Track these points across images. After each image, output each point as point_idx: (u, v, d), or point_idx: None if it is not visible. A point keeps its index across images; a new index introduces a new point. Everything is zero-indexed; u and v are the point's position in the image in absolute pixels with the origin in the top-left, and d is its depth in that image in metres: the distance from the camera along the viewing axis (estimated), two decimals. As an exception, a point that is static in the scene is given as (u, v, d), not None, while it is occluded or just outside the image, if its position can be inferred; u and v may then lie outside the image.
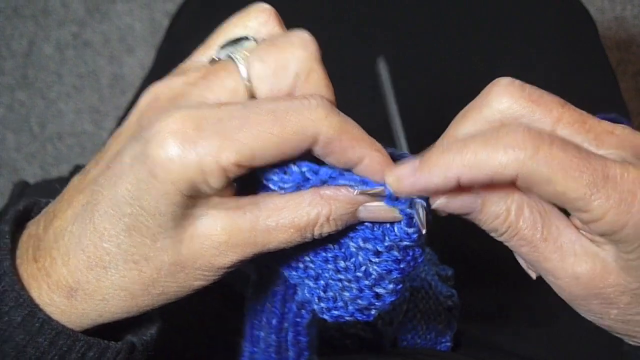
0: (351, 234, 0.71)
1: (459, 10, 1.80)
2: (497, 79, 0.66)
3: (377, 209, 0.68)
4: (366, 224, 0.70)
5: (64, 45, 3.06)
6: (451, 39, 1.75)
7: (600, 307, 0.66)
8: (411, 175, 0.65)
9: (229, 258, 0.66)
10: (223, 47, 0.69)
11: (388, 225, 0.69)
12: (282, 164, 0.66)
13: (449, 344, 1.23)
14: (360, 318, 0.75)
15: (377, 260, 0.71)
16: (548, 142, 0.60)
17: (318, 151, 0.64)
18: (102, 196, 0.65)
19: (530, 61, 1.71)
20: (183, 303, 0.71)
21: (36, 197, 0.76)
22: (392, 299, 0.73)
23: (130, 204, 0.63)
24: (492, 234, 0.67)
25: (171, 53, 1.82)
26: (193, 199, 0.63)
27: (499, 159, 0.60)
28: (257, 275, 0.80)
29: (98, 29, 3.07)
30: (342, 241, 0.72)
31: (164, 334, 0.77)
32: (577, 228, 0.65)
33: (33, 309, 0.68)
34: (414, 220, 0.68)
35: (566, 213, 0.65)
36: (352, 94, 1.62)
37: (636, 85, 2.92)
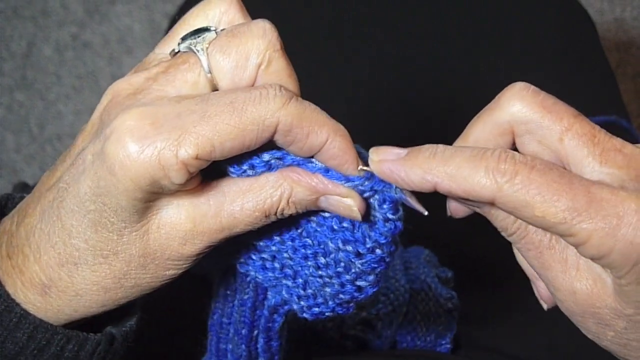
0: (330, 235, 0.71)
1: (459, 12, 1.80)
2: (512, 84, 0.66)
3: (337, 203, 0.68)
4: (345, 224, 0.70)
5: (63, 46, 3.06)
6: (451, 41, 1.75)
7: (597, 327, 0.65)
8: (393, 162, 0.65)
9: (196, 246, 0.66)
10: (184, 38, 0.68)
11: (368, 228, 0.69)
12: (246, 156, 0.66)
13: (448, 345, 1.23)
14: (341, 312, 0.75)
15: (359, 261, 0.71)
16: (529, 167, 0.60)
17: (279, 140, 0.64)
18: (67, 193, 0.65)
19: (529, 62, 1.71)
20: (163, 293, 0.71)
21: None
22: (374, 289, 0.73)
23: (93, 201, 0.63)
24: (502, 233, 0.67)
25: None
26: (155, 193, 0.63)
27: (478, 179, 0.60)
28: (218, 284, 0.80)
29: (97, 30, 3.07)
30: (320, 239, 0.72)
31: (144, 324, 0.77)
32: None
33: (10, 304, 0.68)
34: (398, 209, 0.68)
35: None
36: (351, 94, 1.62)
37: (635, 86, 2.92)
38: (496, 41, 1.74)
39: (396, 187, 0.67)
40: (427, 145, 0.65)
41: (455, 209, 0.71)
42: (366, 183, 0.67)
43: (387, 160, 0.65)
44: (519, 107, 0.64)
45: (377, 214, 0.69)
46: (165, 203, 0.65)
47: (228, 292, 0.79)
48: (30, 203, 0.70)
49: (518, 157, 0.60)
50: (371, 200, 0.68)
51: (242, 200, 0.66)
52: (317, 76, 1.53)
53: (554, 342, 1.19)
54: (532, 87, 0.65)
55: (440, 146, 0.64)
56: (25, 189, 1.07)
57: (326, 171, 0.67)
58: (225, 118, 0.61)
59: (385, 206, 0.68)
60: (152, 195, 0.63)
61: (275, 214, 0.67)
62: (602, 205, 0.58)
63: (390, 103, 1.66)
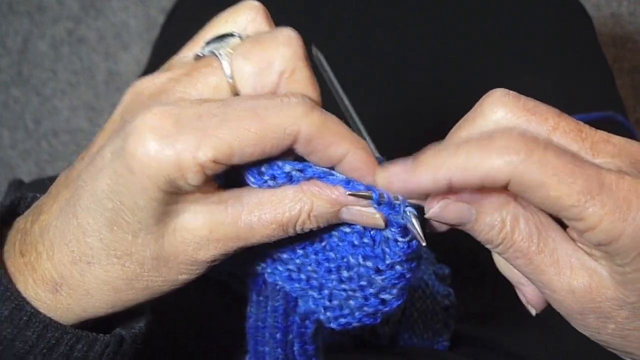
0: (351, 250, 0.71)
1: (456, 9, 1.80)
2: (491, 90, 0.65)
3: (359, 213, 0.67)
4: (365, 240, 0.70)
5: (59, 42, 3.06)
6: (447, 39, 1.75)
7: (597, 322, 0.65)
8: (402, 175, 0.64)
9: (211, 252, 0.66)
10: (208, 43, 0.68)
11: (386, 245, 0.69)
12: (266, 163, 0.66)
13: (446, 343, 1.22)
14: (368, 322, 0.75)
15: (379, 277, 0.70)
16: (542, 147, 0.59)
17: (300, 149, 0.64)
18: (84, 191, 0.65)
19: (526, 58, 1.71)
20: (175, 297, 0.71)
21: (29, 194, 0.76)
22: (399, 302, 0.73)
23: (110, 199, 0.63)
24: (488, 246, 0.66)
25: (167, 49, 1.81)
26: (173, 195, 0.63)
27: (492, 162, 0.60)
28: (251, 290, 0.80)
29: (93, 26, 3.07)
30: (343, 254, 0.72)
31: (154, 327, 0.77)
32: (574, 241, 0.65)
33: (20, 303, 0.68)
34: (409, 231, 0.68)
35: (563, 225, 0.65)
36: (350, 93, 1.62)
37: (632, 82, 2.92)
38: (493, 36, 1.74)
39: (403, 213, 0.66)
40: (428, 147, 0.64)
41: (440, 226, 0.70)
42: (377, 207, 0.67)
43: (394, 175, 0.65)
44: (503, 113, 0.64)
45: (389, 234, 0.68)
46: (183, 208, 0.65)
47: (261, 298, 0.79)
48: (46, 201, 0.70)
49: (529, 136, 0.60)
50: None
51: (260, 212, 0.66)
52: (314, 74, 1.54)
53: (552, 339, 1.19)
54: (512, 92, 0.65)
55: (443, 143, 0.64)
56: (20, 185, 1.07)
57: (347, 183, 0.66)
58: (246, 123, 0.61)
59: (393, 229, 0.67)
60: (170, 197, 0.63)
61: (294, 227, 0.67)
62: (613, 189, 0.58)
63: (389, 102, 1.66)
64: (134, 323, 0.74)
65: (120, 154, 0.61)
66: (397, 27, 1.76)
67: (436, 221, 0.67)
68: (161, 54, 1.85)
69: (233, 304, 0.83)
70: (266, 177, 0.66)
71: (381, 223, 0.67)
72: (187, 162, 0.60)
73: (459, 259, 1.23)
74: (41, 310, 0.69)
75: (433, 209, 0.66)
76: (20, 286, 0.69)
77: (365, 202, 0.66)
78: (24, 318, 0.68)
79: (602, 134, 0.63)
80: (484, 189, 0.63)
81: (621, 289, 0.62)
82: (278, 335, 0.78)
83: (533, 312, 0.72)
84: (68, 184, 0.68)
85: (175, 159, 0.60)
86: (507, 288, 0.73)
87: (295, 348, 0.79)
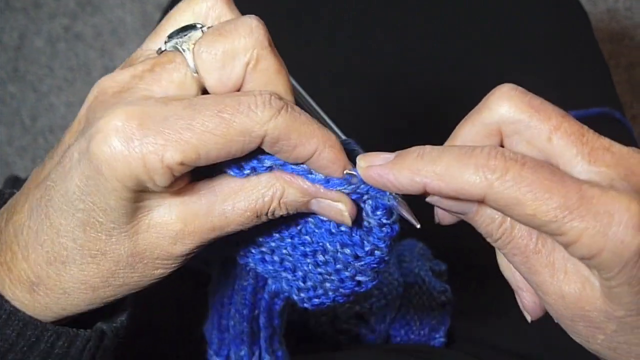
0: (328, 238, 0.71)
1: (452, 7, 1.80)
2: (500, 85, 0.65)
3: (328, 207, 0.67)
4: (342, 228, 0.70)
5: (55, 38, 3.06)
6: (443, 37, 1.75)
7: (586, 330, 0.65)
8: (381, 168, 0.64)
9: (186, 246, 0.66)
10: (170, 36, 0.67)
11: (365, 233, 0.69)
12: (246, 159, 0.66)
13: (442, 339, 1.22)
14: (341, 301, 0.75)
15: (358, 263, 0.71)
16: (520, 164, 0.59)
17: (267, 149, 0.64)
18: (54, 191, 0.64)
19: (522, 55, 1.71)
20: (155, 290, 0.71)
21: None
22: (374, 283, 0.73)
23: (82, 200, 0.62)
24: (488, 239, 0.66)
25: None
26: (143, 192, 0.63)
27: (468, 177, 0.60)
28: (220, 271, 0.80)
29: (89, 22, 3.07)
30: (319, 239, 0.72)
31: (136, 320, 0.77)
32: None
33: None
34: (400, 215, 0.68)
35: None
36: (349, 93, 1.62)
37: (629, 77, 2.92)
38: (489, 33, 1.74)
39: (389, 194, 0.67)
40: (414, 147, 0.64)
41: (443, 217, 0.70)
42: (362, 186, 0.67)
43: (374, 166, 0.65)
44: (507, 107, 0.63)
45: (372, 220, 0.68)
46: (156, 203, 0.65)
47: (229, 279, 0.79)
48: (19, 200, 0.69)
49: (508, 154, 0.60)
50: (364, 206, 0.68)
51: (234, 200, 0.66)
52: (314, 74, 1.54)
53: (548, 336, 1.19)
54: (520, 87, 0.64)
55: (428, 147, 0.64)
56: (16, 182, 1.07)
57: (327, 182, 0.66)
58: (212, 127, 0.60)
59: (378, 212, 0.67)
60: (140, 195, 0.63)
61: (267, 214, 0.67)
62: (593, 204, 0.58)
63: (386, 101, 1.66)
64: (115, 316, 0.74)
65: (87, 156, 0.61)
66: (397, 27, 1.76)
67: (439, 207, 0.67)
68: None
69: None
70: (247, 171, 0.66)
71: (348, 221, 0.67)
72: (154, 164, 0.59)
73: (455, 255, 1.23)
74: (20, 309, 0.68)
75: (436, 196, 0.66)
76: None
77: (334, 195, 0.67)
78: (3, 316, 0.68)
79: (603, 141, 0.62)
80: None
81: (608, 302, 0.61)
82: (245, 311, 0.78)
83: (529, 318, 0.72)
84: (38, 183, 0.67)
85: (142, 161, 0.59)
86: (503, 285, 0.73)
87: (260, 321, 0.79)
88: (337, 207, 0.67)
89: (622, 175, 0.60)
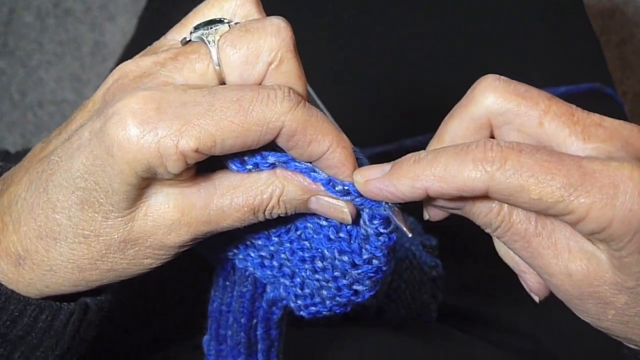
0: (327, 244, 0.71)
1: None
2: (483, 77, 0.65)
3: (327, 205, 0.67)
4: (341, 235, 0.70)
5: (45, 13, 3.04)
6: (439, 25, 1.75)
7: (596, 307, 0.65)
8: (379, 181, 0.64)
9: (181, 237, 0.66)
10: (196, 27, 0.67)
11: (363, 240, 0.69)
12: (249, 154, 0.66)
13: (433, 314, 1.23)
14: (338, 311, 0.75)
15: (355, 271, 0.71)
16: (517, 151, 0.59)
17: (281, 143, 0.64)
18: (58, 167, 0.64)
19: (514, 30, 1.71)
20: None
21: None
22: (372, 293, 0.73)
23: (84, 178, 0.63)
24: (487, 230, 0.66)
25: (153, 21, 1.81)
26: (149, 179, 0.63)
27: (468, 173, 0.60)
28: (217, 275, 0.80)
29: (79, -3, 3.05)
30: (318, 245, 0.72)
31: (122, 295, 0.77)
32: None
33: None
34: (390, 223, 0.68)
35: None
36: (347, 89, 1.62)
37: (620, 54, 2.92)
38: (480, 9, 1.74)
39: (385, 204, 0.67)
40: (409, 155, 0.64)
41: (434, 214, 0.70)
42: (357, 199, 0.67)
43: (372, 180, 0.65)
44: (493, 98, 0.63)
45: (369, 229, 0.68)
46: (155, 191, 0.65)
47: (227, 284, 0.79)
48: (17, 172, 0.69)
49: (503, 143, 0.60)
50: (362, 214, 0.68)
51: (232, 195, 0.66)
52: (316, 73, 1.54)
53: (540, 310, 1.19)
54: (503, 77, 0.64)
55: (422, 152, 0.64)
56: (6, 156, 1.06)
57: (328, 182, 0.66)
58: (230, 115, 0.60)
59: (375, 222, 0.67)
60: (145, 182, 0.63)
61: (264, 212, 0.67)
62: (596, 177, 0.58)
63: (388, 100, 1.65)
64: (100, 291, 0.74)
65: (99, 136, 0.61)
66: (397, 26, 1.75)
67: (433, 205, 0.67)
68: (147, 25, 1.84)
69: (202, 271, 0.83)
70: (249, 166, 0.66)
71: (348, 219, 0.67)
72: (169, 150, 0.60)
73: (446, 230, 1.23)
74: (2, 282, 0.68)
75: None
76: None
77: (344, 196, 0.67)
78: None
79: (594, 117, 0.62)
80: None
81: (619, 273, 0.62)
82: (242, 320, 0.78)
83: (536, 299, 0.72)
84: (42, 158, 0.67)
85: (156, 146, 0.59)
86: (494, 260, 0.73)
87: (258, 332, 0.79)
88: (336, 204, 0.67)
89: (619, 147, 0.61)
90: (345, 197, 0.67)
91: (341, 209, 0.67)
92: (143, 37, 1.78)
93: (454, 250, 1.29)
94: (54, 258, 0.67)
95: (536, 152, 0.59)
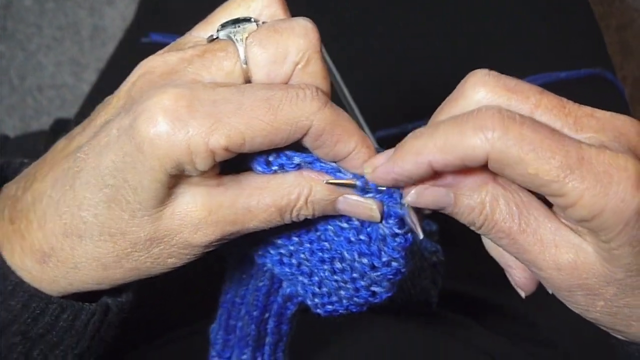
0: (347, 246, 0.72)
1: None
2: (473, 71, 0.65)
3: (356, 203, 0.68)
4: (362, 237, 0.70)
5: (44, -4, 3.03)
6: (434, 13, 1.75)
7: (585, 299, 0.65)
8: (385, 165, 0.64)
9: (207, 237, 0.66)
10: (223, 25, 0.67)
11: (382, 242, 0.70)
12: (274, 152, 0.66)
13: (434, 300, 1.23)
14: (355, 310, 0.76)
15: (375, 273, 0.71)
16: (519, 123, 0.59)
17: (308, 143, 0.64)
18: (85, 164, 0.64)
19: (514, 16, 1.71)
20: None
21: (16, 150, 0.76)
22: (389, 294, 0.74)
23: (113, 176, 0.63)
24: (472, 227, 0.66)
25: (152, 5, 1.81)
26: (177, 177, 0.63)
27: (469, 140, 0.59)
28: (235, 269, 0.80)
29: (78, -20, 3.04)
30: (338, 247, 0.73)
31: (142, 296, 0.77)
32: (558, 219, 0.64)
33: (6, 271, 0.68)
34: (405, 224, 0.68)
35: (547, 204, 0.65)
36: (353, 92, 1.61)
37: (620, 39, 2.92)
38: (482, 5, 1.74)
39: (401, 203, 0.67)
40: (410, 133, 0.64)
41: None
42: (377, 196, 0.67)
43: (379, 167, 0.65)
44: (484, 93, 0.63)
45: (385, 229, 0.69)
46: (182, 190, 0.65)
47: (244, 276, 0.80)
48: (40, 169, 0.69)
49: (505, 112, 0.59)
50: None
51: (260, 195, 0.66)
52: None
53: (539, 296, 1.19)
54: (493, 72, 0.64)
55: (422, 127, 0.64)
56: (5, 141, 1.07)
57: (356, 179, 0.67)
58: (260, 114, 0.61)
59: (390, 221, 0.68)
60: (173, 180, 0.63)
61: (291, 213, 0.67)
62: (593, 164, 0.58)
63: (391, 98, 1.65)
64: (120, 291, 0.75)
65: (129, 133, 0.61)
66: (399, 25, 1.75)
67: (420, 207, 0.67)
68: (147, 9, 1.84)
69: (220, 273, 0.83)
70: (275, 167, 0.67)
71: (377, 215, 0.68)
72: (199, 147, 0.60)
73: (446, 215, 1.24)
74: (25, 280, 0.68)
75: (410, 195, 0.66)
76: (6, 254, 0.68)
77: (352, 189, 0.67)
78: (9, 287, 0.68)
79: (585, 109, 0.62)
80: (461, 171, 0.63)
81: (607, 265, 0.62)
82: (255, 313, 0.78)
83: (522, 294, 0.73)
84: (67, 154, 0.67)
85: (186, 143, 0.60)
86: (493, 247, 0.73)
87: (269, 326, 0.80)
88: (365, 202, 0.67)
89: (612, 137, 0.61)
90: (368, 195, 0.67)
91: (370, 206, 0.67)
92: (142, 22, 1.78)
93: (454, 236, 1.29)
94: (79, 256, 0.67)
95: (539, 127, 0.59)
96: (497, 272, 0.76)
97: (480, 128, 0.59)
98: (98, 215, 0.65)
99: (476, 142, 0.59)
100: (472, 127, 0.59)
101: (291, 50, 0.64)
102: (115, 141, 0.62)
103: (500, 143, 0.58)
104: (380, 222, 0.68)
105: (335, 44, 1.71)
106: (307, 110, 0.62)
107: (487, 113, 0.59)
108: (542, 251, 0.64)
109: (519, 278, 0.71)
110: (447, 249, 1.21)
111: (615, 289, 0.63)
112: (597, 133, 0.61)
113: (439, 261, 1.21)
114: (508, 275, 0.72)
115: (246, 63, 0.65)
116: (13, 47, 2.99)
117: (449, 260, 1.21)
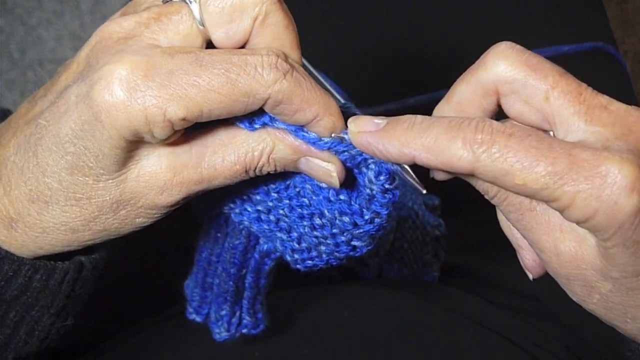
0: (327, 205, 0.72)
1: None
2: (497, 43, 0.65)
3: (316, 167, 0.68)
4: (342, 197, 0.71)
5: (44, -30, 3.02)
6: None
7: (582, 289, 0.65)
8: (371, 134, 0.64)
9: (173, 197, 0.67)
10: None
11: (366, 201, 0.70)
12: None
13: (436, 274, 1.23)
14: (334, 263, 0.76)
15: (357, 230, 0.71)
16: (506, 135, 0.59)
17: (267, 109, 0.64)
18: (46, 131, 0.64)
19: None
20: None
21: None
22: (369, 247, 0.74)
23: (73, 143, 0.63)
24: (485, 196, 0.66)
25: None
26: (138, 142, 0.63)
27: (455, 151, 0.60)
28: (210, 227, 0.81)
29: (78, -46, 3.03)
30: (317, 205, 0.73)
31: (118, 251, 0.77)
32: None
33: None
34: (395, 178, 0.68)
35: None
36: (348, 54, 1.61)
37: (622, 12, 2.91)
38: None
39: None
40: (405, 116, 0.64)
41: (438, 174, 0.70)
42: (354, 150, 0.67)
43: (365, 132, 0.65)
44: (504, 66, 0.63)
45: (374, 187, 0.68)
46: (147, 152, 0.65)
47: (219, 235, 0.80)
48: (4, 134, 0.69)
49: (496, 126, 0.60)
50: (366, 172, 0.68)
51: (224, 153, 0.66)
52: (316, 38, 1.53)
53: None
54: (517, 46, 0.64)
55: (419, 117, 0.64)
56: (6, 115, 1.06)
57: (319, 139, 0.67)
58: (217, 86, 0.61)
59: (382, 177, 0.68)
60: (133, 145, 0.63)
61: (255, 169, 0.67)
62: (584, 167, 0.58)
63: (387, 61, 1.65)
64: (94, 250, 0.75)
65: (86, 100, 0.61)
66: (398, 5, 1.74)
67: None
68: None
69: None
70: (257, 126, 0.67)
71: (336, 183, 0.68)
72: (156, 117, 0.60)
73: (449, 189, 1.24)
74: None
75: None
76: None
77: (325, 155, 0.67)
78: None
79: (601, 99, 0.62)
80: None
81: (605, 262, 0.62)
82: (232, 270, 0.79)
83: (530, 276, 0.73)
84: (28, 120, 0.67)
85: (144, 113, 0.60)
86: (497, 219, 0.73)
87: (247, 281, 0.80)
88: (325, 167, 0.67)
89: (619, 134, 0.60)
90: (341, 146, 0.67)
91: (330, 172, 0.67)
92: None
93: (456, 210, 1.29)
94: (46, 221, 0.67)
95: (526, 137, 0.59)
96: (500, 247, 0.76)
97: (469, 141, 0.59)
98: (62, 181, 0.65)
99: (462, 154, 0.59)
100: (462, 138, 0.60)
101: (247, 5, 0.63)
102: (74, 108, 0.62)
103: (485, 156, 0.59)
104: (338, 187, 0.69)
105: (334, 24, 1.71)
106: (265, 82, 0.62)
107: (479, 126, 0.60)
108: (545, 232, 0.64)
109: (528, 260, 0.71)
110: (450, 223, 1.21)
111: (611, 286, 0.63)
112: (605, 128, 0.60)
113: (442, 235, 1.22)
114: (518, 256, 0.72)
115: (203, 24, 0.64)
116: (13, 21, 2.98)
117: (452, 233, 1.22)
